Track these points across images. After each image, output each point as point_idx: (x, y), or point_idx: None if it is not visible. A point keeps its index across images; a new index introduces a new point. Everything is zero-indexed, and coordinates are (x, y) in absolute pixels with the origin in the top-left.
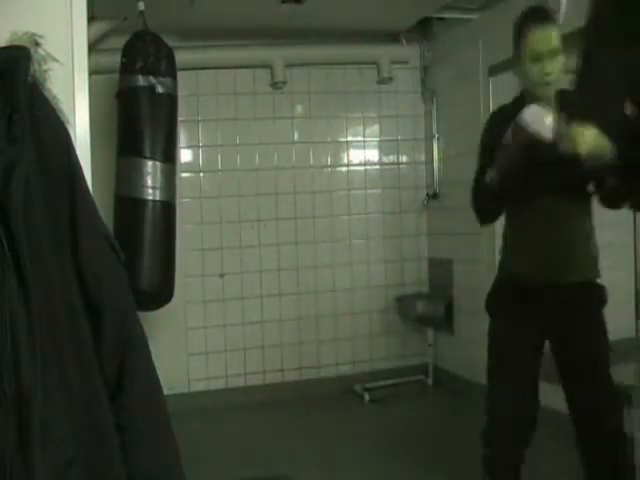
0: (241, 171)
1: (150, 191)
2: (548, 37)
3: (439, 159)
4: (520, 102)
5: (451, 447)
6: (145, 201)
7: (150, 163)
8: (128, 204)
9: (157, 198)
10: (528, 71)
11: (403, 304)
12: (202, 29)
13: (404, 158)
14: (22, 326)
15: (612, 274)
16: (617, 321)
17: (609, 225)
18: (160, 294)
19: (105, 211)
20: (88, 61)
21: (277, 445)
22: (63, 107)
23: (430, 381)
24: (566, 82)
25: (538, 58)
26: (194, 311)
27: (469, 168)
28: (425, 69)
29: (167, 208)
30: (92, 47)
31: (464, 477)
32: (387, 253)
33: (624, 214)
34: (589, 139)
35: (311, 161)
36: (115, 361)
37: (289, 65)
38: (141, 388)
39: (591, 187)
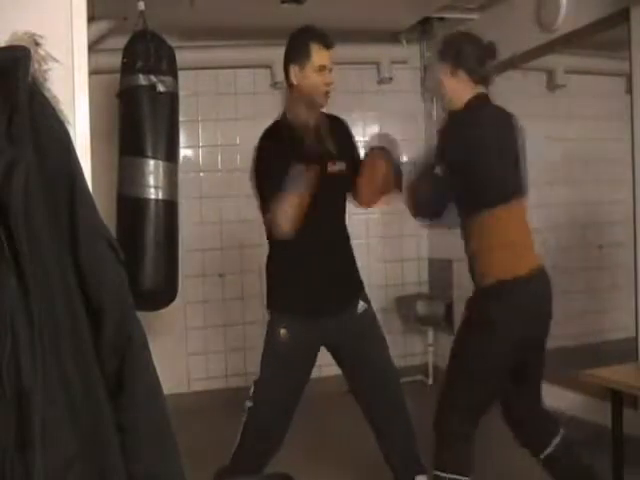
0: (241, 171)
1: (152, 190)
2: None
3: None
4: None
5: None
6: (148, 200)
7: (152, 162)
8: (131, 203)
9: (160, 197)
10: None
11: (403, 304)
12: (202, 29)
13: (404, 158)
14: (22, 326)
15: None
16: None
17: (610, 224)
18: (164, 293)
19: (105, 211)
20: (88, 61)
21: None
22: (63, 107)
23: (430, 381)
24: None
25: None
26: (194, 311)
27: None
28: (425, 69)
29: (170, 207)
30: (92, 47)
31: None
32: (387, 253)
33: (625, 214)
34: None
35: None
36: (115, 361)
37: None
38: (141, 388)
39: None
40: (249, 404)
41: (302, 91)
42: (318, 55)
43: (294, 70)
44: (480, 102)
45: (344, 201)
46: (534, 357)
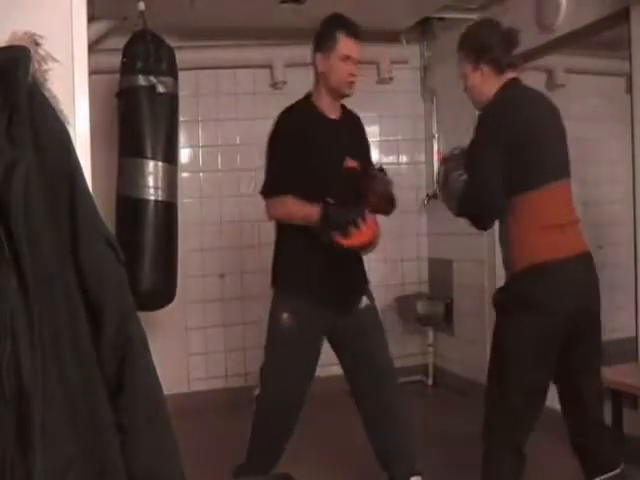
0: (241, 171)
1: (152, 191)
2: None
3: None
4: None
5: (451, 447)
6: (147, 201)
7: (152, 163)
8: (130, 204)
9: (159, 198)
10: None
11: (403, 304)
12: (202, 29)
13: (404, 158)
14: (22, 326)
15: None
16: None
17: (611, 224)
18: (162, 294)
19: (105, 211)
20: (88, 61)
21: None
22: (63, 107)
23: (430, 381)
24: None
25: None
26: (194, 311)
27: None
28: (425, 69)
29: (169, 208)
30: (92, 47)
31: (464, 477)
32: (387, 253)
33: (624, 214)
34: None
35: None
36: (115, 361)
37: (289, 65)
38: (141, 388)
39: None
40: (257, 392)
41: (326, 78)
42: (344, 44)
43: (320, 57)
44: (509, 87)
45: (357, 197)
46: (582, 356)
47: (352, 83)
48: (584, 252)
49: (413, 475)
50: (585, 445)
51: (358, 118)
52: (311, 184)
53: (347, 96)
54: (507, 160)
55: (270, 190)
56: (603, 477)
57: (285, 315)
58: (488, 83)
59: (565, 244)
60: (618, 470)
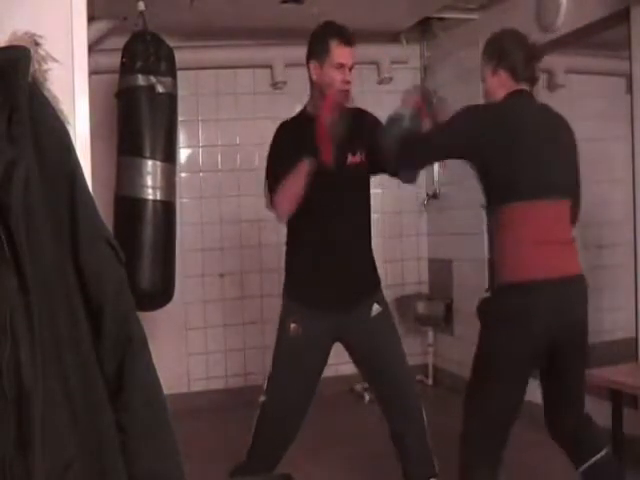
0: (241, 171)
1: (150, 191)
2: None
3: None
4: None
5: (451, 447)
6: (145, 201)
7: (150, 163)
8: (128, 204)
9: (157, 198)
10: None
11: (403, 304)
12: (202, 29)
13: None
14: (22, 326)
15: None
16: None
17: (611, 224)
18: (160, 294)
19: (105, 211)
20: (88, 61)
21: None
22: (63, 107)
23: (430, 381)
24: None
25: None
26: (194, 311)
27: (469, 168)
28: (425, 69)
29: (167, 208)
30: (92, 47)
31: None
32: (387, 253)
33: (625, 214)
34: None
35: None
36: (115, 361)
37: (289, 65)
38: (141, 388)
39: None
40: (262, 398)
41: (321, 87)
42: (337, 52)
43: (314, 66)
44: (516, 96)
45: (366, 193)
46: (567, 365)
47: (347, 92)
48: (575, 274)
49: (431, 477)
50: (572, 436)
51: (360, 110)
52: (310, 190)
53: (342, 104)
54: (494, 165)
55: (271, 190)
56: (593, 460)
57: (292, 324)
58: (503, 89)
59: (554, 263)
60: (604, 452)
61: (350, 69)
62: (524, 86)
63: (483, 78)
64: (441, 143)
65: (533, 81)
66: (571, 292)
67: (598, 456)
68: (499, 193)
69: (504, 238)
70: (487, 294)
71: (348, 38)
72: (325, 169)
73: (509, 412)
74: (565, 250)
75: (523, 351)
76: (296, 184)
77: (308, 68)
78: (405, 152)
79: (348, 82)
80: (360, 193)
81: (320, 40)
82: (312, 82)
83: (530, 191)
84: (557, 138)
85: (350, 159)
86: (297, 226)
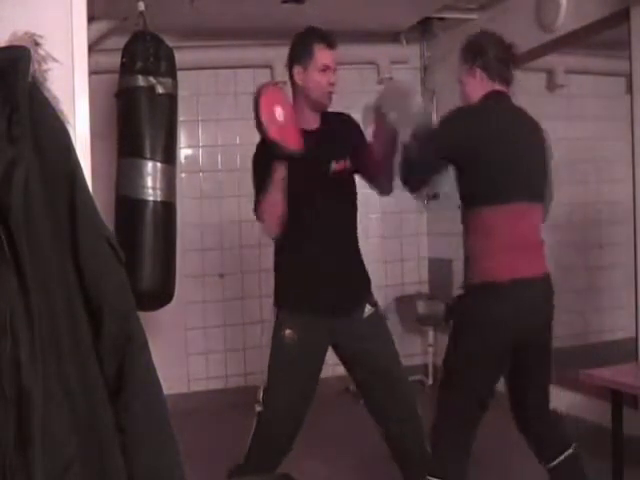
0: (241, 171)
1: (150, 192)
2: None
3: None
4: None
5: None
6: (145, 201)
7: (150, 163)
8: (128, 205)
9: (157, 198)
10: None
11: (403, 304)
12: (202, 29)
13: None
14: (22, 326)
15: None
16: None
17: (611, 224)
18: (161, 294)
19: (105, 211)
20: (88, 61)
21: None
22: (63, 107)
23: (430, 381)
24: None
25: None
26: (194, 311)
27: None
28: (425, 69)
29: (167, 208)
30: (92, 47)
31: None
32: (387, 253)
33: (625, 214)
34: None
35: None
36: (115, 361)
37: None
38: (141, 388)
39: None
40: (259, 408)
41: (305, 91)
42: (321, 55)
43: (298, 70)
44: (494, 98)
45: (353, 198)
46: (530, 364)
47: (331, 93)
48: (542, 274)
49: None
50: (538, 434)
51: (344, 115)
52: (295, 199)
53: (325, 107)
54: (469, 170)
55: (257, 202)
56: (561, 457)
57: (287, 332)
58: (478, 88)
59: (523, 265)
60: (571, 450)
61: (334, 71)
62: (500, 87)
63: (460, 79)
64: (437, 157)
65: (509, 82)
66: (537, 292)
67: (566, 454)
68: (474, 195)
69: (476, 239)
70: (460, 291)
71: (331, 41)
72: (300, 163)
73: (478, 409)
74: (538, 252)
75: (491, 351)
76: (274, 190)
77: (291, 73)
78: (410, 178)
79: (332, 84)
80: (346, 197)
81: (303, 44)
82: (295, 86)
83: (505, 194)
84: (531, 140)
85: (334, 166)
86: (286, 237)
